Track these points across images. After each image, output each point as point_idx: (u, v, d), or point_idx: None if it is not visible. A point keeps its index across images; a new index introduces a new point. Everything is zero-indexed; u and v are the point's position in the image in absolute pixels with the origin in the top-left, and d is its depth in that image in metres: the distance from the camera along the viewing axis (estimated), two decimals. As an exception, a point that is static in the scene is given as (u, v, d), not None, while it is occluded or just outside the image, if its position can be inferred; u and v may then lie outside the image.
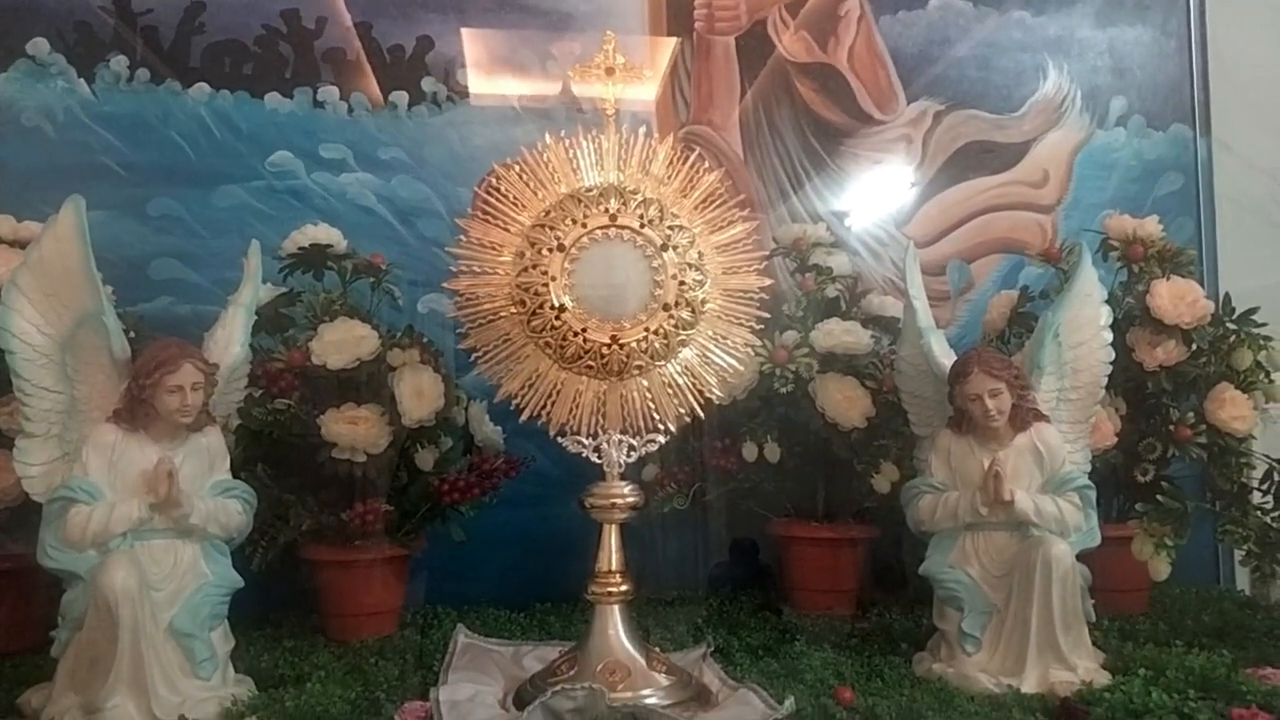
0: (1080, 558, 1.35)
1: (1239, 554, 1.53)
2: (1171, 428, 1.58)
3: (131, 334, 1.36)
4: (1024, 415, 1.39)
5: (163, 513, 1.23)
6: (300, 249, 1.61)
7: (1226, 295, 1.66)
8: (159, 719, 1.15)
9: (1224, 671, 1.27)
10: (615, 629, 1.29)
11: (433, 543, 1.65)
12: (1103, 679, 1.29)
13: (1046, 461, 1.38)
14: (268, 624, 1.56)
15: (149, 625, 1.18)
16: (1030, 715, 1.18)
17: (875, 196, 2.10)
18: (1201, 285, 1.64)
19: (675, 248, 1.31)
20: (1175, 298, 1.58)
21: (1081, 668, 1.30)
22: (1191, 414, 1.59)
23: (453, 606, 1.65)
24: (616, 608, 1.31)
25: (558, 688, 1.16)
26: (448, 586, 1.70)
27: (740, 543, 1.90)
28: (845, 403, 1.62)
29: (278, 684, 1.29)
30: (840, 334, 1.67)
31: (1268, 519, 1.50)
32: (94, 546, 1.20)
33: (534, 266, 1.29)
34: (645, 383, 1.32)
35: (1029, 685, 1.28)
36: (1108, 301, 1.48)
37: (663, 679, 1.27)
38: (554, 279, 1.28)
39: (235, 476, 1.33)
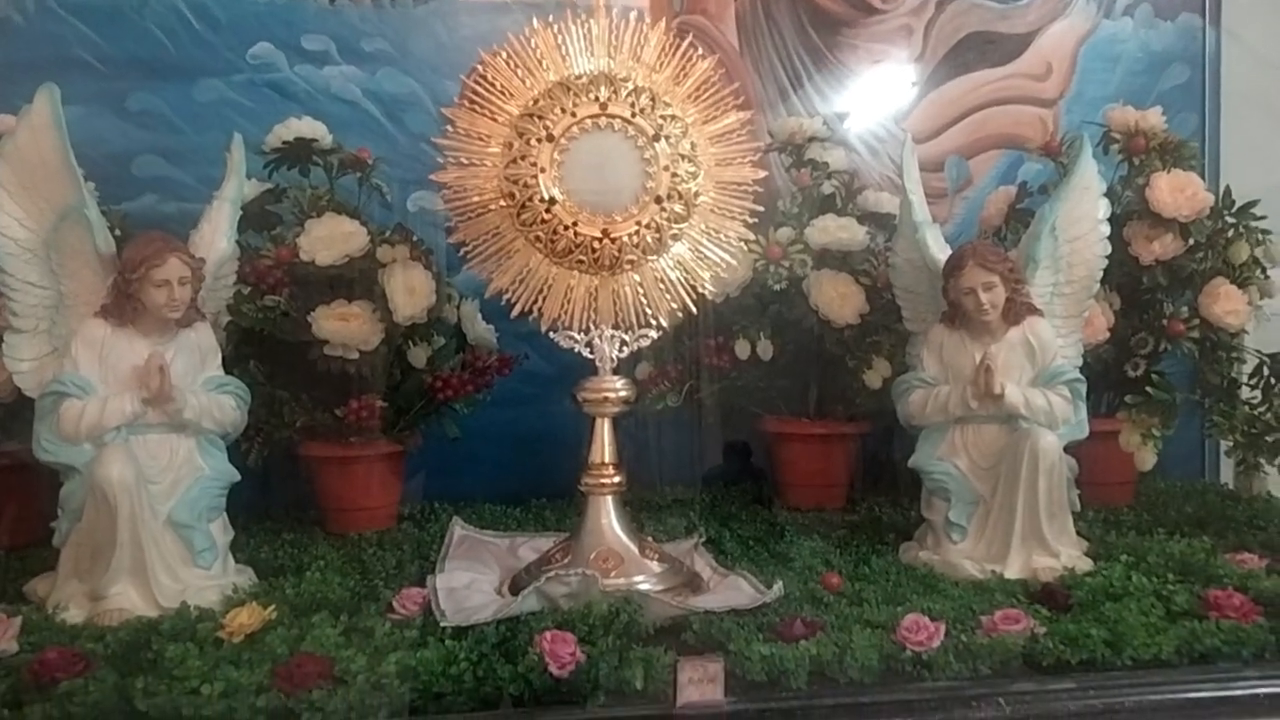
0: (1067, 450, 1.37)
1: (1225, 445, 1.55)
2: (1164, 322, 1.58)
3: (117, 232, 1.34)
4: (1017, 309, 1.39)
5: (155, 407, 1.23)
6: (284, 143, 1.57)
7: (1227, 188, 1.63)
8: (162, 605, 1.18)
9: (1203, 556, 1.30)
10: (608, 519, 1.32)
11: (429, 440, 1.66)
12: (1085, 565, 1.32)
13: (1038, 355, 1.38)
14: (267, 519, 1.59)
15: (147, 516, 1.20)
16: (1012, 598, 1.21)
17: (874, 91, 2.04)
18: (1203, 180, 1.62)
19: (667, 138, 1.28)
20: (1174, 190, 1.56)
21: (1064, 554, 1.33)
22: (1185, 309, 1.59)
23: (449, 503, 1.68)
24: (609, 499, 1.33)
25: (552, 573, 1.19)
26: (444, 483, 1.73)
27: (733, 445, 1.92)
28: (839, 299, 1.61)
29: (277, 574, 1.32)
30: (835, 230, 1.65)
31: (1255, 412, 1.51)
32: (89, 440, 1.21)
33: (523, 158, 1.26)
34: (637, 277, 1.31)
35: (1012, 571, 1.31)
36: (1106, 195, 1.46)
37: (655, 566, 1.30)
38: (543, 170, 1.26)
39: (228, 374, 1.34)
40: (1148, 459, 1.48)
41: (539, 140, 1.26)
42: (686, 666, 1.02)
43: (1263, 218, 1.59)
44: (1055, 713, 1.03)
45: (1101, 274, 1.45)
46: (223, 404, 1.30)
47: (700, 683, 1.02)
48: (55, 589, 1.21)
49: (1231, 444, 1.49)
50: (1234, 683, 1.07)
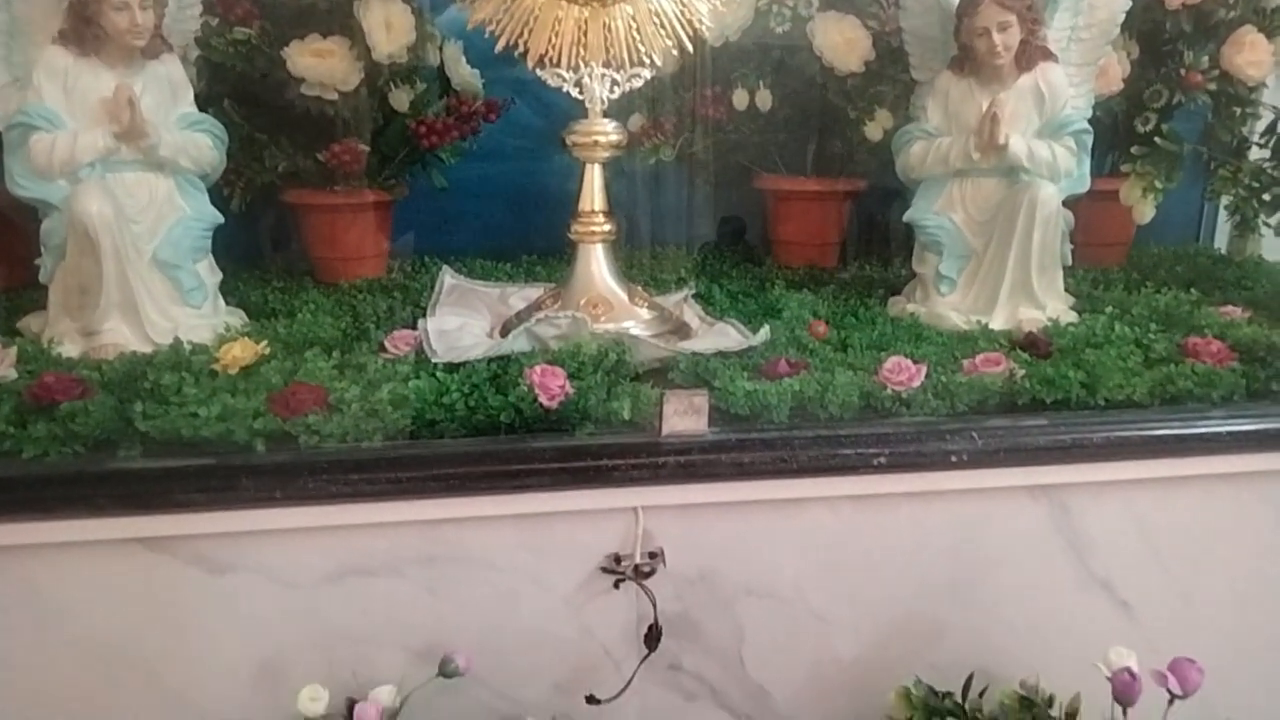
0: (1065, 205, 1.34)
1: (1225, 201, 1.53)
2: (1181, 73, 1.50)
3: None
4: (1030, 53, 1.32)
5: (128, 142, 1.19)
6: None
7: (1270, -77, 1.51)
8: (155, 341, 1.19)
9: (1188, 309, 1.31)
10: (598, 266, 1.31)
11: (417, 197, 1.62)
12: (1070, 318, 1.33)
13: (1048, 103, 1.33)
14: (256, 269, 1.58)
15: (132, 254, 1.18)
16: (994, 344, 1.23)
17: None
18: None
19: None
20: (1212, -74, 1.44)
21: (1051, 307, 1.34)
22: (1205, 59, 1.51)
23: (440, 257, 1.66)
24: (599, 246, 1.31)
25: (542, 316, 1.20)
26: (434, 239, 1.71)
27: (729, 221, 1.88)
28: (844, 45, 1.52)
29: (269, 316, 1.33)
30: (844, -32, 1.54)
31: (1263, 166, 1.47)
32: (63, 176, 1.17)
33: None
34: (630, 9, 1.23)
35: (998, 323, 1.33)
36: (1141, -72, 1.35)
37: (644, 313, 1.30)
38: (528, -119, 1.15)
39: (203, 112, 1.29)
40: (1146, 212, 1.46)
41: None
42: (672, 398, 1.05)
43: (1308, -44, 1.48)
44: (1025, 446, 1.07)
45: (1123, 17, 1.36)
46: (198, 142, 1.26)
47: (685, 414, 1.05)
48: (48, 325, 1.22)
49: (1232, 198, 1.47)
50: (1200, 422, 1.10)
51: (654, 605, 1.07)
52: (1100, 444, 1.08)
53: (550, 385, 1.05)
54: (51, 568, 0.98)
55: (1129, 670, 0.91)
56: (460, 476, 1.00)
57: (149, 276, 1.22)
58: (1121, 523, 1.13)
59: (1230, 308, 1.32)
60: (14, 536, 0.95)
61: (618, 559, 1.07)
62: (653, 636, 1.07)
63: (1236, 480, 1.13)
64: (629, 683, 1.07)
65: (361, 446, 1.02)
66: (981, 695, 1.06)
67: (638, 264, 1.62)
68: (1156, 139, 1.46)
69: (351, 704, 0.99)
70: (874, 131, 1.55)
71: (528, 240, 1.72)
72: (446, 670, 1.02)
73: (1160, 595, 1.15)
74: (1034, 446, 1.07)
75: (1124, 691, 0.90)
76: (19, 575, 0.97)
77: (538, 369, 1.07)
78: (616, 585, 1.07)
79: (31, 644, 1.00)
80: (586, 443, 1.04)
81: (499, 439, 1.04)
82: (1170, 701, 0.90)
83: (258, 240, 1.62)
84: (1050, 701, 0.99)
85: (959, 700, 1.04)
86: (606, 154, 1.29)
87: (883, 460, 1.05)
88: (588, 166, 1.29)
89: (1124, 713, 0.92)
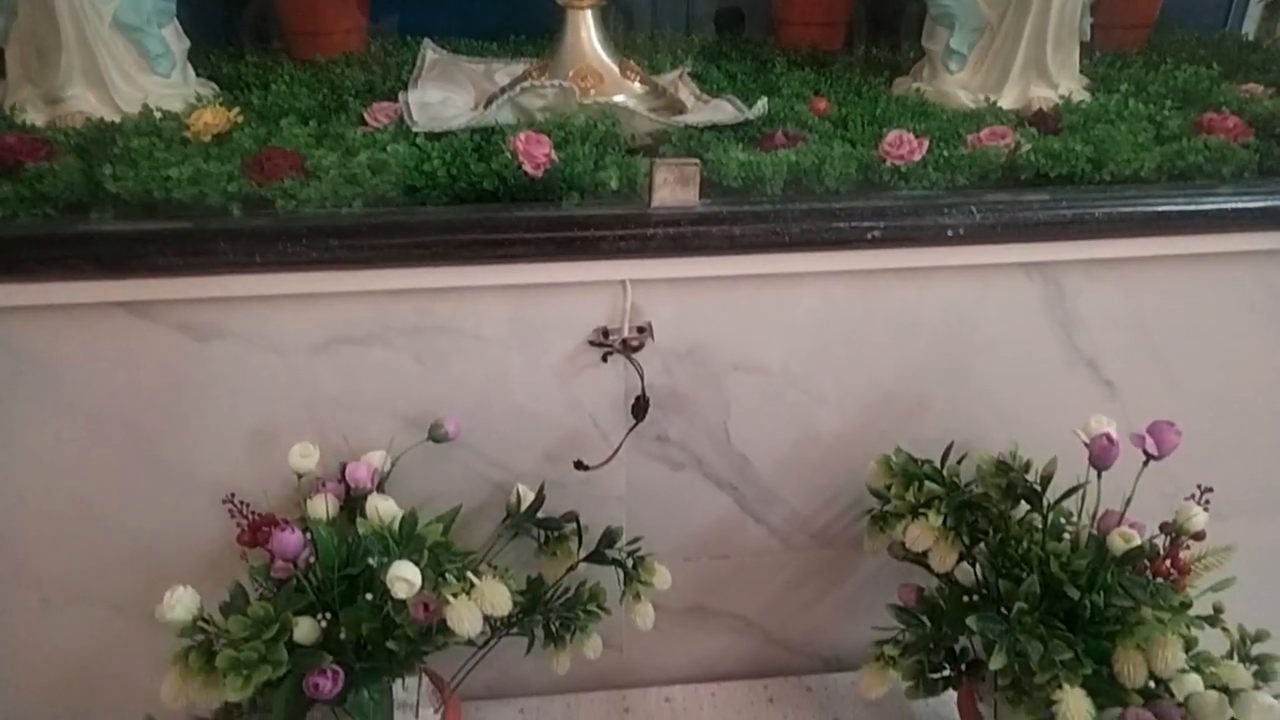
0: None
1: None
2: None
3: None
4: None
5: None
6: None
7: None
8: (122, 109, 1.13)
9: (1207, 84, 1.25)
10: (588, 34, 1.23)
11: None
12: (1083, 97, 1.27)
13: None
14: (229, 44, 1.49)
15: (90, 14, 1.11)
16: (1001, 120, 1.17)
17: None
18: None
19: None
20: None
21: (1064, 86, 1.27)
22: None
23: (422, 34, 1.57)
24: (589, 13, 1.23)
25: (527, 84, 1.14)
26: (416, 19, 1.61)
27: (725, 13, 1.76)
28: None
29: (242, 88, 1.26)
30: None
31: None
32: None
33: None
34: None
35: (1007, 101, 1.26)
36: None
37: (636, 87, 1.24)
38: None
39: None
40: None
41: None
42: (662, 168, 1.01)
43: None
44: (1024, 221, 1.04)
45: None
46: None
47: (675, 184, 1.01)
48: (8, 92, 1.16)
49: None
50: (1207, 198, 1.07)
51: (642, 378, 1.08)
52: (1102, 220, 1.05)
53: (535, 153, 1.01)
54: (37, 331, 0.97)
55: (1107, 435, 0.92)
56: (444, 244, 0.98)
57: (112, 41, 1.14)
58: (1114, 302, 1.12)
59: (1252, 85, 1.25)
60: (-6, 298, 0.94)
61: (605, 333, 1.06)
62: (640, 407, 1.08)
63: (1235, 260, 1.11)
64: (617, 450, 1.09)
65: (341, 213, 0.99)
66: (960, 463, 1.08)
67: (631, 44, 1.53)
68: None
69: (343, 466, 1.01)
70: (888, -108, 1.42)
71: (516, 19, 1.62)
72: (435, 434, 1.03)
73: (1145, 376, 1.16)
74: (1033, 222, 1.04)
75: (1101, 456, 0.92)
76: (2, 336, 0.97)
77: (522, 135, 1.02)
78: (604, 359, 1.08)
79: (26, 413, 1.01)
80: (573, 213, 1.01)
81: (483, 207, 1.01)
82: (1145, 463, 0.92)
83: (228, 13, 1.52)
84: (1027, 467, 1.02)
85: (937, 467, 1.06)
86: (596, -90, 1.19)
87: (878, 234, 1.03)
88: (577, -74, 1.20)
89: (1099, 476, 0.94)
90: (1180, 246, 1.08)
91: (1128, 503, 0.94)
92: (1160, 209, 1.06)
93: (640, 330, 1.07)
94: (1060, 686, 0.86)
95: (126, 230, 0.95)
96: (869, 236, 1.03)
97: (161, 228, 0.95)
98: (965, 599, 0.99)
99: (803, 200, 1.05)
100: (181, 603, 0.85)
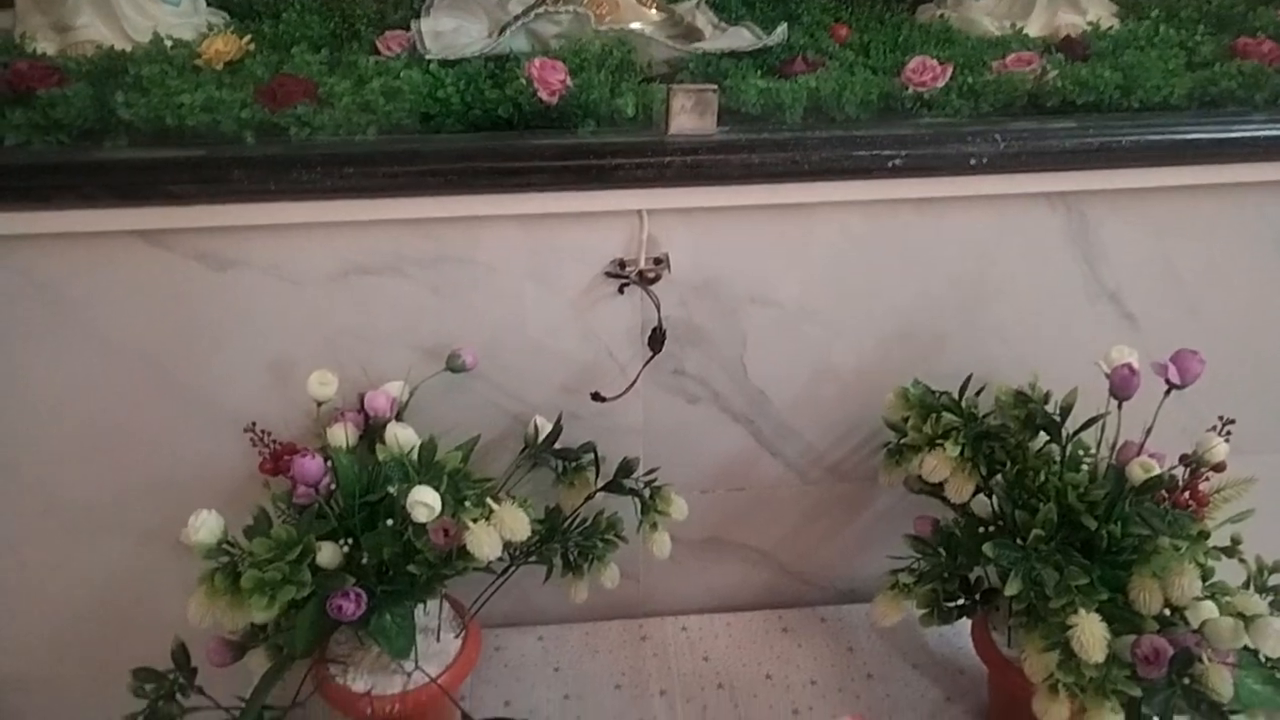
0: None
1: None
2: None
3: None
4: None
5: None
6: None
7: None
8: (133, 39, 1.12)
9: (1243, 8, 1.21)
10: (603, -41, 1.21)
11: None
12: (1112, 23, 1.23)
13: None
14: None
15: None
16: (1027, 47, 1.14)
17: None
18: None
19: None
20: None
21: (1092, 12, 1.24)
22: None
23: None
24: (604, -63, 1.20)
25: (541, 9, 1.12)
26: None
27: None
28: None
29: (253, 18, 1.25)
30: None
31: None
32: None
33: None
34: None
35: (1034, 28, 1.23)
36: None
37: (653, 14, 1.22)
38: None
39: None
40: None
41: None
42: (679, 94, 0.99)
43: None
44: (1049, 150, 1.02)
45: None
46: None
47: (693, 111, 1.00)
48: (18, 21, 1.14)
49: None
50: (1237, 126, 1.04)
51: (658, 310, 1.07)
52: (1129, 148, 1.02)
53: (550, 79, 0.99)
54: (55, 260, 0.97)
55: (1129, 365, 0.91)
56: (459, 172, 0.97)
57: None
58: (1138, 233, 1.10)
59: (1290, 10, 1.22)
60: (11, 226, 0.94)
61: (622, 264, 1.05)
62: (656, 339, 1.08)
63: (1263, 190, 1.08)
64: (634, 383, 1.09)
65: (355, 140, 0.98)
66: (978, 395, 1.08)
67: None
68: None
69: (362, 397, 1.02)
70: None
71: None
72: (453, 365, 1.04)
73: (1168, 308, 1.14)
74: (1058, 150, 1.02)
75: (1122, 385, 0.91)
76: (22, 265, 0.97)
77: (536, 62, 1.00)
78: (621, 290, 1.07)
79: (45, 341, 1.01)
80: (589, 140, 0.99)
81: (497, 135, 1.00)
82: (1167, 392, 0.91)
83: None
84: (1046, 398, 1.01)
85: (955, 398, 1.06)
86: None
87: (898, 162, 1.01)
88: None
89: (1119, 406, 0.93)
90: (1208, 175, 1.05)
91: (1148, 433, 0.93)
92: (1190, 136, 1.03)
93: (657, 262, 1.06)
94: (1075, 611, 0.87)
95: (140, 158, 0.94)
96: (890, 165, 1.01)
97: (175, 155, 0.94)
98: (981, 530, 1.00)
99: (823, 128, 1.03)
100: (206, 525, 0.87)
